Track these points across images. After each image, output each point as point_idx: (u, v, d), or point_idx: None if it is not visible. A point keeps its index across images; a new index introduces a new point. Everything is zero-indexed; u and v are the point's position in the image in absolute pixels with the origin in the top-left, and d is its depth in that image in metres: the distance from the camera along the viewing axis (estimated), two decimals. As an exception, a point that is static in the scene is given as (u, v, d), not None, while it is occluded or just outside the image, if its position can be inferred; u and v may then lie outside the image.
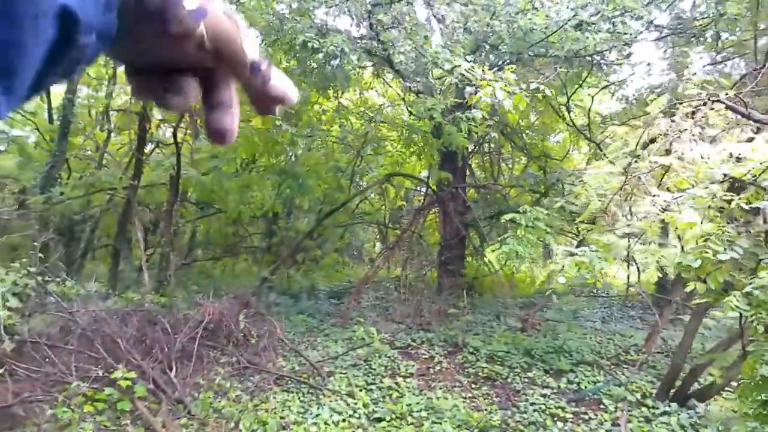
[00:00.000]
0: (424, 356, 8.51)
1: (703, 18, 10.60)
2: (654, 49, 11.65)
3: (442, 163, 12.55)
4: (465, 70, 5.99)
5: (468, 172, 14.69)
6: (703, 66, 11.65)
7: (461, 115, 10.54)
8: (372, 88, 14.89)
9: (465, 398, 7.01)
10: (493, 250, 9.19)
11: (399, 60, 11.52)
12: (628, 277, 8.64)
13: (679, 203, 3.76)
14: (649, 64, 11.43)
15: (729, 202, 3.57)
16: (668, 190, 4.59)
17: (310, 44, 8.15)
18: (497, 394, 7.29)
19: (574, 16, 10.00)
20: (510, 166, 16.91)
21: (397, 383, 7.27)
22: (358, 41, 10.74)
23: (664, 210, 3.80)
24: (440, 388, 7.23)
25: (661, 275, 12.98)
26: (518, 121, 14.58)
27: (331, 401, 6.48)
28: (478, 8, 10.14)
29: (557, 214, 9.23)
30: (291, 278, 12.06)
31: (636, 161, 5.03)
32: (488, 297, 13.03)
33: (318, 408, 6.25)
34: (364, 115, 12.53)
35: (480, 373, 7.93)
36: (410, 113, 12.86)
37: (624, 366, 8.49)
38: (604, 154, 11.49)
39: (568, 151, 15.68)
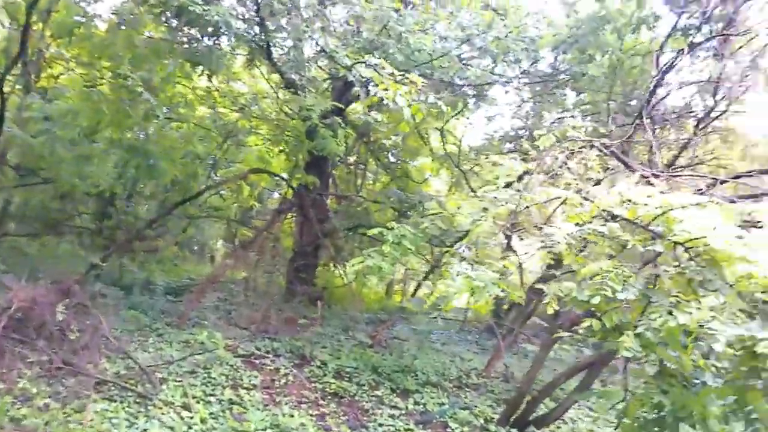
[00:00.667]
0: (269, 367, 7.89)
1: (566, 74, 11.55)
2: (515, 95, 12.27)
3: (307, 167, 12.10)
4: (373, 65, 5.65)
5: (331, 181, 14.42)
6: (558, 118, 12.70)
7: (338, 120, 10.25)
8: (241, 79, 13.99)
9: (313, 415, 6.56)
10: (354, 264, 8.88)
11: (279, 53, 10.92)
12: (485, 302, 8.89)
13: (576, 237, 3.79)
14: (519, 106, 12.02)
15: (624, 245, 3.68)
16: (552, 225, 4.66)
17: (192, 8, 7.22)
18: (345, 412, 6.95)
19: (459, 46, 10.31)
20: (371, 182, 16.96)
21: (239, 396, 6.58)
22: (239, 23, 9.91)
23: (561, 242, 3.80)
24: (287, 404, 6.69)
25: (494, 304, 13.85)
26: (385, 140, 14.74)
27: (162, 414, 5.61)
28: (369, 17, 9.96)
29: (422, 235, 9.23)
30: (124, 268, 10.63)
31: (524, 192, 5.07)
32: (337, 309, 12.75)
33: (146, 421, 5.35)
34: (235, 103, 11.62)
35: (328, 389, 7.54)
36: (281, 110, 12.26)
37: (466, 389, 8.68)
38: (468, 184, 12.00)
39: (429, 176, 16.17)
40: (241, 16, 9.57)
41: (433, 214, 11.57)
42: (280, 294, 12.03)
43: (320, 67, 12.37)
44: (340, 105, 10.61)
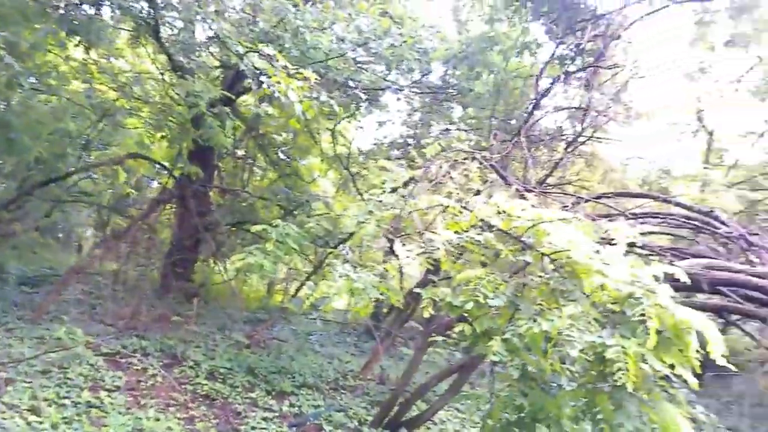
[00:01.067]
0: (135, 367, 7.40)
1: (454, 89, 12.07)
2: (406, 103, 12.63)
3: (191, 156, 11.53)
4: (267, 57, 5.49)
5: (216, 174, 13.88)
6: (444, 129, 13.26)
7: (227, 110, 9.89)
8: (124, 56, 13.06)
9: (180, 419, 6.24)
10: (236, 260, 8.62)
11: (168, 33, 10.34)
12: (365, 305, 8.97)
13: (454, 244, 3.97)
14: (409, 114, 12.35)
15: (497, 254, 3.91)
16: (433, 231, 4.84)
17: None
18: (216, 415, 6.69)
19: (355, 49, 10.40)
20: (258, 178, 16.55)
21: (99, 398, 6.09)
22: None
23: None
24: (152, 407, 6.30)
25: (375, 306, 14.11)
26: (275, 135, 14.48)
27: (4, 418, 5.04)
28: (267, 8, 9.73)
29: (306, 234, 9.17)
30: (-31, 253, 9.44)
31: (408, 198, 5.22)
32: (215, 307, 12.27)
33: (-16, 427, 4.79)
34: (115, 80, 10.79)
35: (199, 391, 7.22)
36: (167, 94, 11.60)
37: (342, 391, 8.73)
38: (356, 187, 12.11)
39: (318, 176, 16.10)
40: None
41: (319, 215, 11.60)
42: (153, 289, 11.35)
43: (212, 54, 11.86)
44: (230, 95, 10.23)
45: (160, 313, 9.81)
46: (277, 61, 5.48)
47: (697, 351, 3.18)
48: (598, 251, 3.83)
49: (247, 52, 6.04)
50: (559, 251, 3.77)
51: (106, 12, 9.47)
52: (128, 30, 11.46)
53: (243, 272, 11.19)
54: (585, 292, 3.72)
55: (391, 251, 11.90)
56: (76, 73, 10.98)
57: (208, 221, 12.05)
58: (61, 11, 9.08)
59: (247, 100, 13.24)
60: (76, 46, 10.12)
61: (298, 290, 11.65)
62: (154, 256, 12.15)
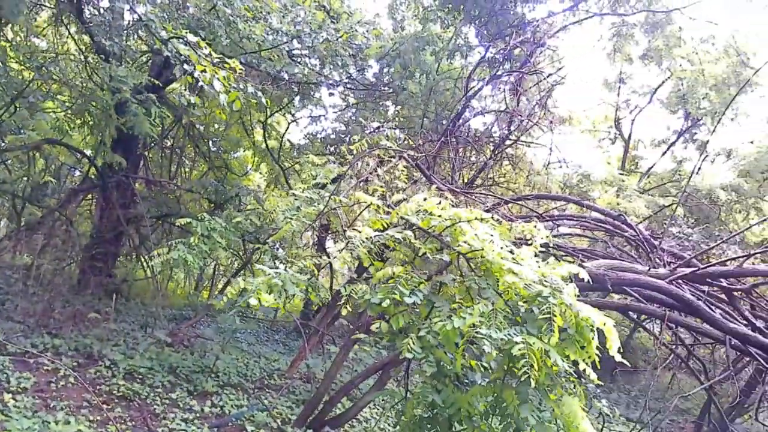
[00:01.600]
0: (46, 367, 7.00)
1: (388, 87, 12.15)
2: (340, 99, 12.63)
3: (114, 145, 11.02)
4: (191, 44, 5.31)
5: (142, 164, 13.33)
6: (377, 127, 13.33)
7: (154, 97, 9.52)
8: (44, 36, 12.33)
9: (92, 422, 5.97)
10: (160, 254, 8.33)
11: (92, 12, 9.84)
12: (283, 302, 8.90)
13: (375, 242, 4.01)
14: (342, 110, 12.32)
15: (417, 252, 3.98)
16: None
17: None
18: (132, 417, 6.44)
19: (290, 41, 10.26)
20: (187, 169, 16.04)
21: (3, 401, 5.73)
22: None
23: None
24: (62, 409, 5.99)
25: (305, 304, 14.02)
26: (206, 126, 14.09)
27: None
28: (199, -6, 9.44)
29: (234, 229, 8.99)
30: None
31: (334, 194, 5.22)
32: (135, 304, 11.79)
33: None
34: (31, 59, 10.14)
35: (115, 392, 6.92)
36: (89, 78, 11.03)
37: (267, 390, 8.62)
38: (287, 182, 11.98)
39: (250, 169, 15.80)
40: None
41: (249, 210, 11.39)
42: (69, 285, 10.76)
43: (140, 38, 11.41)
44: (157, 82, 9.85)
45: (75, 310, 9.32)
46: (201, 48, 5.32)
47: (605, 348, 3.37)
48: (511, 251, 3.98)
49: (171, 38, 5.82)
50: (474, 250, 3.88)
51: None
52: (49, 7, 10.84)
53: (168, 267, 10.84)
54: (498, 291, 3.86)
55: (320, 248, 11.89)
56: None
57: (132, 213, 11.56)
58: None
59: (176, 89, 12.80)
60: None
61: (225, 287, 11.38)
62: (71, 249, 11.52)
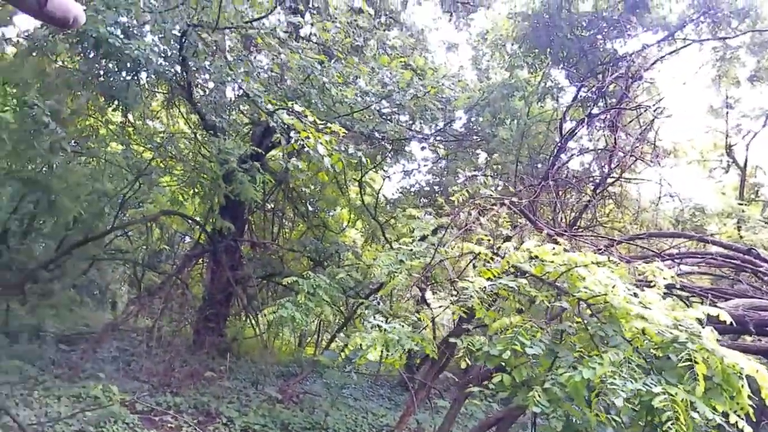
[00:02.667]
0: (170, 424, 7.37)
1: (478, 135, 12.19)
2: (431, 152, 12.80)
3: (222, 211, 11.79)
4: (296, 113, 5.67)
5: (246, 227, 14.11)
6: (470, 176, 13.31)
7: (258, 165, 10.15)
8: (158, 118, 13.64)
9: (216, 478, 6.15)
10: (269, 313, 8.65)
11: (200, 94, 10.78)
12: (382, 356, 8.84)
13: (488, 292, 3.93)
14: (434, 162, 12.48)
15: (533, 299, 3.86)
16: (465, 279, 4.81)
17: (111, 41, 6.99)
18: (251, 473, 6.58)
19: (379, 101, 10.65)
20: (288, 230, 16.75)
21: (135, 457, 6.07)
22: (161, 60, 9.72)
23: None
24: (188, 465, 6.25)
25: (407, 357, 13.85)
26: (304, 188, 14.74)
27: (43, 479, 5.05)
28: (294, 66, 10.10)
29: (337, 285, 9.17)
30: (11, 312, 9.68)
31: (439, 246, 5.22)
32: (246, 362, 12.22)
33: (23, 489, 4.79)
34: (150, 141, 11.23)
35: (234, 448, 7.13)
36: (198, 152, 12.00)
37: (377, 446, 8.51)
38: (385, 235, 12.16)
39: (346, 226, 16.22)
40: (162, 54, 9.39)
41: (348, 265, 11.62)
42: (186, 345, 11.39)
43: (241, 112, 12.31)
44: (260, 150, 10.53)
45: (193, 369, 9.82)
46: (306, 116, 5.66)
47: (749, 397, 3.04)
48: (635, 294, 3.75)
49: (276, 109, 6.25)
50: (595, 296, 3.69)
51: (142, 77, 9.95)
52: (163, 93, 12.02)
53: (275, 325, 11.20)
54: (626, 338, 3.63)
55: (422, 300, 11.82)
56: (114, 136, 11.47)
57: (240, 275, 12.18)
58: (101, 78, 9.61)
59: (275, 155, 13.59)
60: (114, 110, 10.63)
61: (330, 342, 11.57)
62: (186, 311, 12.25)
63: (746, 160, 12.43)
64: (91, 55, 9.19)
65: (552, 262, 3.96)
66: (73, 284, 13.69)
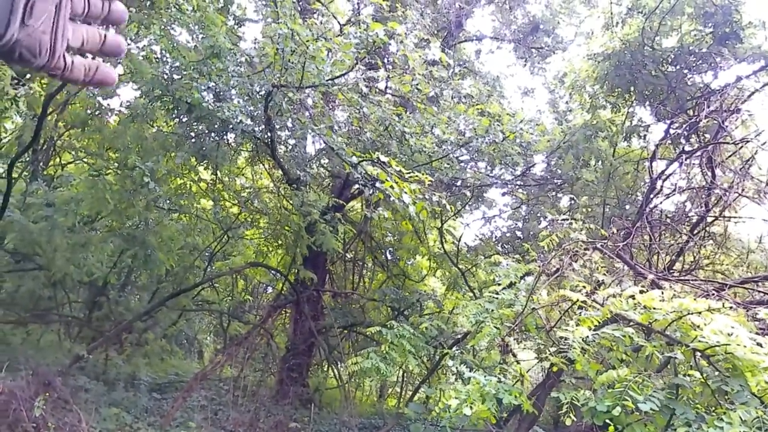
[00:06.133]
0: (257, 476, 7.34)
1: (560, 178, 11.86)
2: (511, 197, 12.56)
3: (305, 262, 12.02)
4: (381, 163, 5.76)
5: (327, 277, 14.29)
6: (554, 220, 12.87)
7: (339, 216, 10.35)
8: (243, 174, 14.32)
9: None
10: (352, 364, 8.58)
11: (283, 150, 11.24)
12: (495, 411, 8.47)
13: (591, 342, 3.68)
14: (516, 208, 12.23)
15: (639, 348, 3.57)
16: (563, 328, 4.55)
17: (204, 105, 7.48)
18: None
19: (458, 149, 10.65)
20: (368, 279, 16.81)
21: None
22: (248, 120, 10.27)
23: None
24: None
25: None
26: (383, 237, 14.83)
27: None
28: (373, 118, 10.35)
29: (421, 335, 9.00)
30: (110, 361, 10.19)
31: (530, 294, 5.00)
32: (327, 413, 12.12)
33: None
34: (237, 196, 11.77)
35: (320, 504, 6.96)
36: (281, 205, 12.42)
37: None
38: (467, 283, 11.90)
39: (426, 275, 16.07)
40: (249, 114, 9.95)
41: (429, 314, 11.43)
42: (270, 394, 11.49)
43: (322, 165, 12.70)
44: (341, 201, 10.75)
45: (277, 420, 9.84)
46: (390, 166, 5.73)
47: None
48: (760, 344, 3.39)
49: (360, 161, 6.38)
50: (714, 345, 3.36)
51: (230, 137, 10.55)
52: (248, 151, 12.66)
53: (357, 376, 11.10)
54: (753, 393, 3.25)
55: (508, 351, 11.36)
56: (204, 193, 12.14)
57: (321, 325, 12.26)
58: (193, 140, 10.28)
59: (355, 206, 13.83)
60: (205, 169, 11.29)
61: (413, 394, 11.28)
62: (270, 361, 12.42)
63: None
64: (185, 119, 9.90)
65: (660, 309, 3.66)
66: (164, 334, 14.32)
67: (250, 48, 10.38)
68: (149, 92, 9.14)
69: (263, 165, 13.31)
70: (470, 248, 13.07)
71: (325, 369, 12.88)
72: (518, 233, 11.87)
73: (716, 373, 3.36)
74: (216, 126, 9.44)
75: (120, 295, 12.04)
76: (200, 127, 9.97)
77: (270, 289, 17.35)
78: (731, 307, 3.89)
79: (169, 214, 11.28)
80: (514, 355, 10.91)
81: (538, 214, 11.72)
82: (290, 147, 11.75)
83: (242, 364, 11.80)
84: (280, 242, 12.22)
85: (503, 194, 11.30)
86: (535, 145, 10.79)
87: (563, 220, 5.76)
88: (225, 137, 10.31)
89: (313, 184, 12.02)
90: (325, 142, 8.56)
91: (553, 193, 11.53)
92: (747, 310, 4.29)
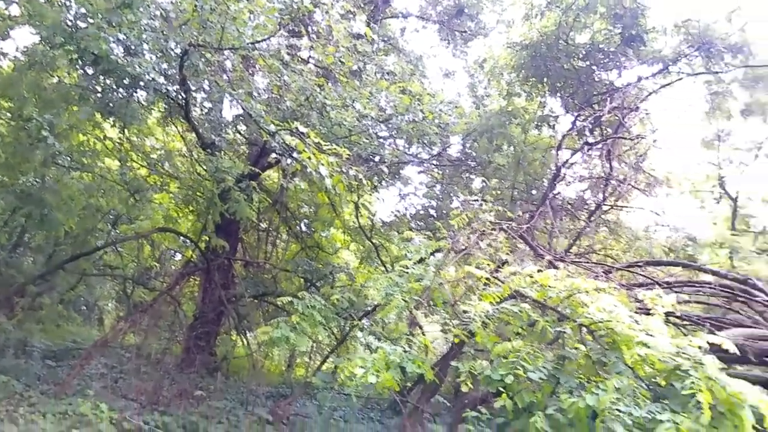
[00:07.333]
0: (158, 444, 7.22)
1: (474, 161, 12.29)
2: (427, 176, 12.91)
3: (217, 230, 11.73)
4: (300, 134, 5.71)
5: (239, 246, 14.04)
6: (465, 200, 13.37)
7: (254, 184, 10.17)
8: (154, 135, 13.63)
9: (205, 501, 6.01)
10: (262, 333, 8.56)
11: (198, 112, 10.82)
12: (399, 380, 8.76)
13: (491, 316, 3.94)
14: (431, 186, 12.56)
15: (534, 323, 3.87)
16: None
17: (112, 58, 7.02)
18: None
19: (377, 125, 10.74)
20: (281, 250, 16.67)
21: (123, 478, 5.93)
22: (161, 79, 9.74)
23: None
24: (176, 487, 6.11)
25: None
26: (299, 208, 14.75)
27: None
28: (294, 87, 10.17)
29: (332, 307, 9.11)
30: (-1, 326, 9.52)
31: (438, 269, 5.23)
32: (234, 381, 12.04)
33: None
34: (146, 158, 11.22)
35: (223, 470, 6.98)
36: (194, 170, 11.99)
37: (368, 471, 8.37)
38: (380, 257, 12.14)
39: (340, 247, 16.18)
40: (162, 72, 9.43)
41: (342, 286, 11.57)
42: (175, 363, 11.22)
43: (238, 131, 12.34)
44: (256, 170, 10.55)
45: (182, 388, 9.66)
46: (309, 137, 5.70)
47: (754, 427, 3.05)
48: (637, 321, 3.78)
49: (279, 130, 6.29)
50: (598, 322, 3.72)
51: (141, 94, 9.98)
52: (160, 110, 12.05)
53: (266, 345, 11.08)
54: (628, 364, 3.64)
55: (414, 323, 11.76)
56: (110, 152, 11.45)
57: (232, 294, 12.07)
58: (99, 94, 9.62)
59: (271, 175, 13.59)
60: (112, 126, 10.63)
61: (322, 364, 11.44)
62: (176, 329, 12.10)
63: (738, 192, 12.64)
64: (90, 72, 9.22)
65: (554, 287, 3.98)
66: (61, 299, 13.51)
67: (166, 2, 9.81)
68: (50, 38, 8.42)
69: (176, 127, 12.74)
70: (385, 223, 13.30)
71: (234, 338, 12.73)
72: (431, 211, 12.23)
73: (598, 346, 3.73)
74: (125, 82, 8.88)
75: (11, 256, 11.19)
76: (107, 82, 9.33)
77: (179, 256, 16.77)
78: (616, 288, 4.29)
79: (70, 173, 10.55)
80: (421, 328, 11.34)
81: (451, 194, 12.12)
82: (206, 110, 11.32)
83: (146, 331, 11.43)
84: (191, 208, 11.81)
85: (419, 173, 11.59)
86: (452, 127, 11.09)
87: (474, 200, 6.02)
88: (135, 94, 9.72)
89: (228, 150, 11.67)
90: (243, 108, 8.31)
91: (467, 175, 11.95)
92: (630, 291, 4.75)
